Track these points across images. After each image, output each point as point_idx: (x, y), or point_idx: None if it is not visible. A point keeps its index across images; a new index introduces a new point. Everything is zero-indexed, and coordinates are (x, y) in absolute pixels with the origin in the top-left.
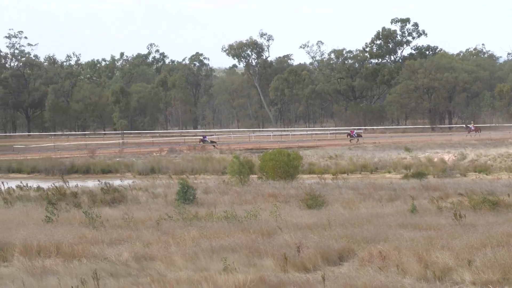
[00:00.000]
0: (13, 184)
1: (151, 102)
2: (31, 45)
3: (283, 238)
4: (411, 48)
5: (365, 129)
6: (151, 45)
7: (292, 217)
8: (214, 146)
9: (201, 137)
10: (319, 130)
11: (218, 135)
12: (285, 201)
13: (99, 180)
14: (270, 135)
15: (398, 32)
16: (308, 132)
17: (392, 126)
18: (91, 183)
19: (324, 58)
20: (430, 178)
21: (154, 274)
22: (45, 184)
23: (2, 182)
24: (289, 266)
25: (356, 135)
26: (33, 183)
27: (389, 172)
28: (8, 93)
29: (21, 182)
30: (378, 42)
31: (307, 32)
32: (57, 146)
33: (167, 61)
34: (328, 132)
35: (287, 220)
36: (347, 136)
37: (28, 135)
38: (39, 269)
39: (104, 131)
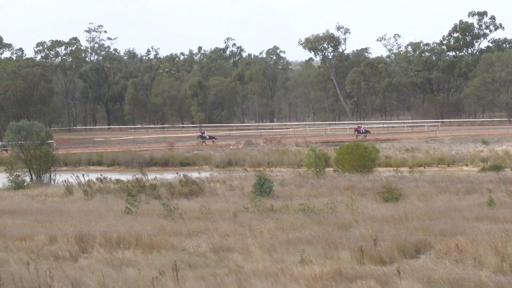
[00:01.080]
0: (93, 176)
1: (228, 96)
2: (111, 39)
3: (360, 231)
4: (488, 41)
5: (442, 122)
6: (228, 39)
7: (369, 210)
8: (213, 141)
9: (200, 133)
10: (395, 123)
11: (294, 128)
12: (361, 194)
13: (177, 173)
14: (346, 128)
15: (475, 25)
16: (385, 125)
17: (469, 119)
18: (170, 176)
19: (401, 51)
20: (507, 171)
21: (232, 265)
22: (125, 177)
23: (83, 175)
24: (365, 259)
25: (363, 131)
26: (113, 176)
27: (466, 165)
28: (88, 87)
29: (101, 175)
30: (455, 35)
31: (383, 25)
32: (136, 139)
33: (244, 55)
34: (405, 125)
35: (363, 212)
36: (355, 132)
37: (108, 128)
38: (118, 261)
39: (183, 124)
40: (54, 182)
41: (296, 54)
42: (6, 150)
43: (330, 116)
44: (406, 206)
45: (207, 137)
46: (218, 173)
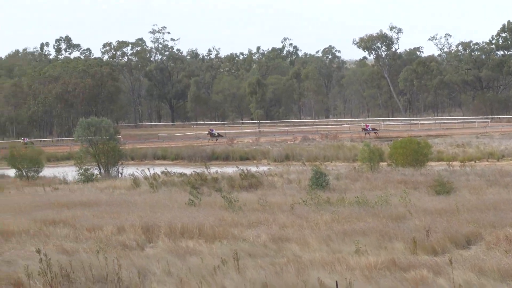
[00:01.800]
0: (158, 170)
1: (286, 93)
2: (174, 40)
3: (413, 223)
4: None
5: (492, 118)
6: (285, 39)
7: (421, 203)
8: (217, 139)
9: (209, 131)
10: (447, 119)
11: (349, 124)
12: (414, 187)
13: (237, 167)
14: (400, 124)
15: None
16: (437, 121)
17: None
18: (230, 169)
19: (452, 50)
20: None
21: (290, 255)
22: (188, 170)
23: (148, 168)
24: (418, 249)
25: (371, 129)
26: (176, 169)
27: None
28: (153, 85)
29: (166, 168)
30: (504, 35)
31: (435, 25)
32: (198, 134)
33: (300, 54)
34: (456, 121)
35: (416, 205)
36: (362, 130)
37: (172, 124)
38: (182, 250)
39: (242, 120)
40: (121, 176)
41: (351, 53)
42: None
43: (383, 112)
44: (457, 199)
45: (216, 134)
46: (276, 167)
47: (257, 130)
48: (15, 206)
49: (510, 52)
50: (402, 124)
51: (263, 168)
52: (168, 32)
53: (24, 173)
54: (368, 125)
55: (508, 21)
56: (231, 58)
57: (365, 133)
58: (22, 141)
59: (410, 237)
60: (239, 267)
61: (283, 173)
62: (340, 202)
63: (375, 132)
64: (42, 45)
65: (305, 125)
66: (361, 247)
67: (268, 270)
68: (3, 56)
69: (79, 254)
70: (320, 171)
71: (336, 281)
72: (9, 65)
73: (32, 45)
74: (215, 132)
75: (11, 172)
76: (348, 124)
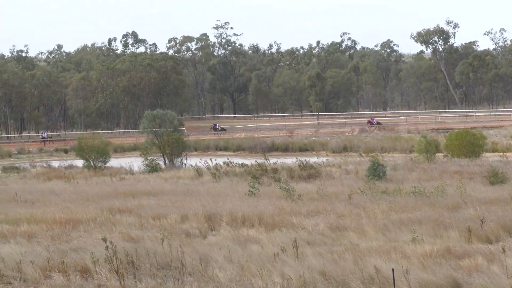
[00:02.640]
0: (220, 160)
1: (344, 86)
2: (237, 35)
3: (468, 212)
4: None
5: None
6: (344, 33)
7: (476, 193)
8: (221, 133)
9: (213, 125)
10: (502, 111)
11: (406, 116)
12: (469, 178)
13: (296, 158)
14: (456, 116)
15: None
16: (492, 113)
17: None
18: (290, 160)
19: (507, 44)
20: None
21: (347, 243)
22: (249, 161)
23: (211, 159)
24: (473, 238)
25: (376, 122)
26: (238, 160)
27: None
28: (216, 79)
29: (228, 159)
30: None
31: (490, 20)
32: (259, 126)
33: (358, 48)
34: (511, 113)
35: (471, 195)
36: (367, 123)
37: (234, 116)
38: (243, 238)
39: (301, 113)
40: (185, 166)
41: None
42: (46, 142)
43: (440, 105)
44: (511, 188)
45: (219, 128)
46: (334, 158)
47: (316, 122)
48: (83, 196)
49: None
50: (458, 116)
51: (321, 159)
52: (231, 28)
53: (92, 163)
54: (374, 118)
55: None
56: (292, 52)
57: (370, 126)
58: (40, 135)
59: (465, 226)
60: (298, 255)
61: (341, 164)
62: (397, 192)
63: (378, 125)
64: (109, 40)
65: (363, 117)
66: (417, 235)
67: (326, 257)
68: (72, 51)
69: (144, 241)
70: (377, 162)
71: (393, 269)
72: (78, 59)
73: (100, 40)
74: (218, 126)
75: (80, 163)
76: (405, 116)
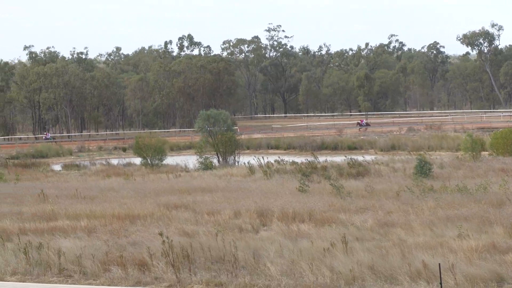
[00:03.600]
0: (271, 158)
1: (392, 86)
2: (288, 37)
3: None
4: None
5: None
6: (391, 35)
7: None
8: None
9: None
10: None
11: (452, 115)
12: None
13: (345, 156)
14: (500, 116)
15: None
16: None
17: None
18: (339, 158)
19: None
20: None
21: (395, 239)
22: (299, 159)
23: (263, 157)
24: None
25: (365, 124)
26: (288, 158)
27: None
28: (267, 80)
29: (279, 157)
30: None
31: None
32: (309, 126)
33: (405, 49)
34: None
35: None
36: (357, 125)
37: (285, 116)
38: (294, 233)
39: (350, 112)
40: (238, 164)
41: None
42: (55, 142)
43: (485, 104)
44: None
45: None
46: (382, 156)
47: (365, 121)
48: (140, 192)
49: None
50: (502, 115)
51: (370, 157)
52: (283, 30)
53: (149, 161)
54: (363, 120)
55: None
56: (341, 54)
57: (359, 127)
58: (44, 136)
59: (509, 222)
60: (347, 250)
61: (389, 162)
62: (443, 189)
63: (365, 128)
64: (166, 43)
65: (411, 117)
66: (463, 231)
67: (374, 252)
68: (130, 53)
69: (199, 236)
70: (424, 160)
71: (439, 263)
72: (136, 61)
73: (157, 43)
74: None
75: (137, 161)
76: (452, 115)
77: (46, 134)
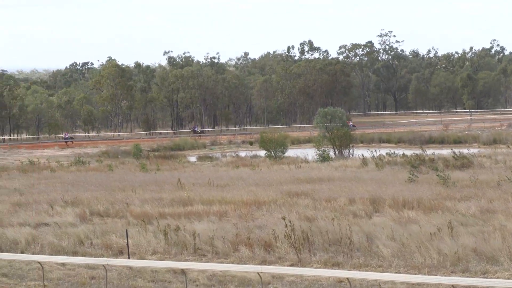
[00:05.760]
0: (383, 151)
1: (494, 86)
2: (399, 41)
3: None
4: None
5: None
6: (493, 40)
7: None
8: (199, 136)
9: (192, 128)
10: None
11: None
12: None
13: (451, 149)
14: None
15: None
16: None
17: None
18: (445, 151)
19: None
20: None
21: (496, 224)
22: (408, 152)
23: (375, 150)
24: None
25: (352, 125)
26: (398, 151)
27: None
28: (379, 81)
29: (390, 150)
30: None
31: None
32: (418, 122)
33: (506, 53)
34: None
35: None
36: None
37: (395, 113)
38: (404, 219)
39: (456, 109)
40: (352, 156)
41: None
42: (72, 142)
43: None
44: None
45: (198, 131)
46: (485, 149)
47: (469, 118)
48: (265, 181)
49: None
50: None
51: (473, 151)
52: (394, 35)
53: (273, 153)
54: (350, 122)
55: None
56: (447, 56)
57: (349, 129)
58: (63, 136)
59: None
60: (452, 234)
61: (491, 154)
62: None
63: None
64: (288, 48)
65: (511, 114)
66: None
67: (477, 237)
68: (257, 57)
69: (318, 221)
70: None
71: None
72: (262, 64)
73: (281, 48)
74: (197, 129)
75: (262, 153)
76: None
77: (65, 134)
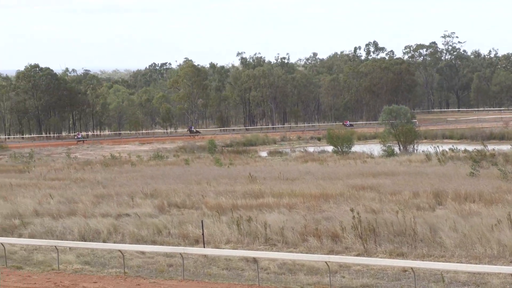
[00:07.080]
0: (446, 147)
1: None
2: (461, 42)
3: None
4: None
5: None
6: None
7: None
8: (195, 135)
9: (188, 128)
10: None
11: None
12: None
13: (511, 145)
14: None
15: None
16: None
17: None
18: (505, 147)
19: None
20: None
21: None
22: (470, 147)
23: (438, 146)
24: None
25: (349, 124)
26: (461, 147)
27: None
28: (442, 79)
29: (452, 146)
30: None
31: None
32: (479, 119)
33: None
34: None
35: None
36: (343, 125)
37: (458, 110)
38: (466, 211)
39: None
40: (416, 152)
41: None
42: (83, 141)
43: None
44: None
45: (194, 131)
46: None
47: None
48: (332, 175)
49: None
50: None
51: None
52: (457, 36)
53: (339, 149)
54: (347, 121)
55: None
56: (507, 57)
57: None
58: (76, 135)
59: None
60: None
61: None
62: None
63: (351, 127)
64: (355, 49)
65: None
66: None
67: None
68: (324, 57)
69: (383, 213)
70: None
71: None
72: (329, 64)
73: (348, 48)
74: (193, 129)
75: (330, 148)
76: None
77: (78, 134)
